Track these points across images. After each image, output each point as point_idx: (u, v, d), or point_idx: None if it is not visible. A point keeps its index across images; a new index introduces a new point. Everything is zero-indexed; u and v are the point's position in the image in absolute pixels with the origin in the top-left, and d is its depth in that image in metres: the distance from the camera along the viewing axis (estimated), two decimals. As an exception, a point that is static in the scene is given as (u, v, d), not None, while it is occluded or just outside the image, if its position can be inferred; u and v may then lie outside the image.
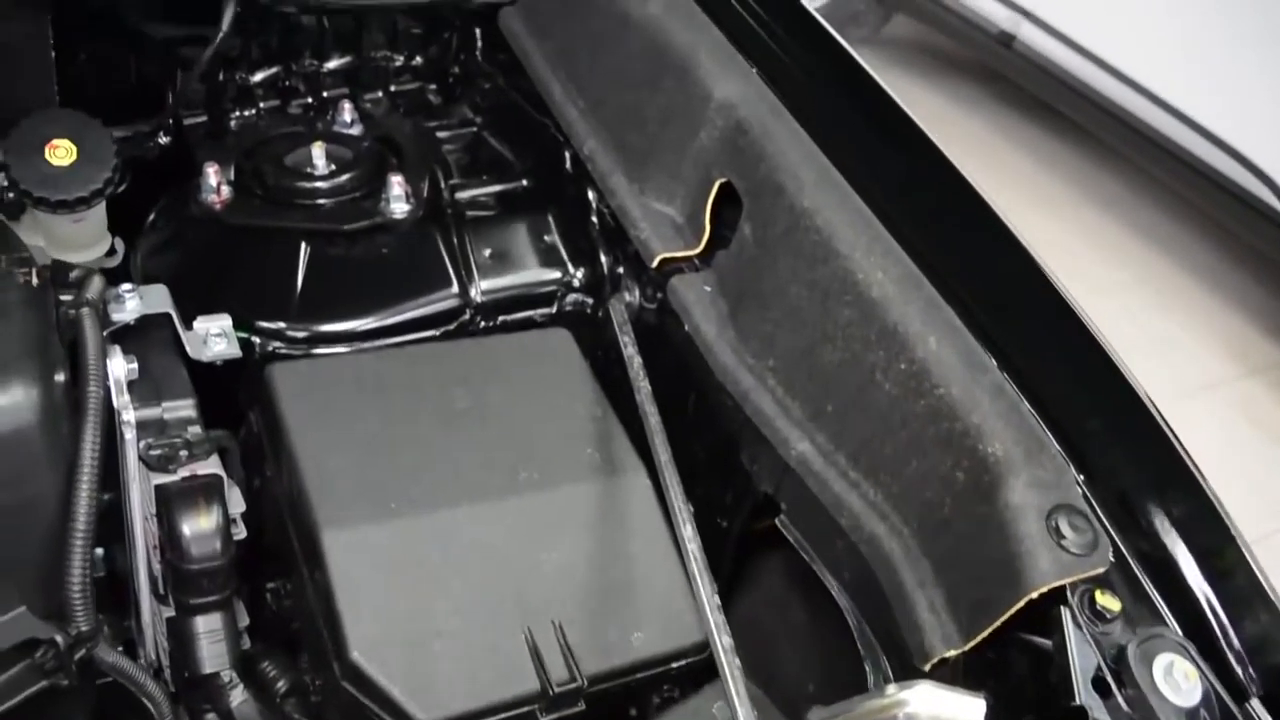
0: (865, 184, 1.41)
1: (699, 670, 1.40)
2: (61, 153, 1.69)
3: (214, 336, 1.55)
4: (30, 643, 1.22)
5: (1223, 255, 4.80)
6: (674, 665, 1.38)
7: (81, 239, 1.80)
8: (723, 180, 1.52)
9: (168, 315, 1.52)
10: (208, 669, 1.38)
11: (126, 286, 1.50)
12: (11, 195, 1.80)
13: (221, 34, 1.72)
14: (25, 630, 1.21)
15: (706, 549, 1.27)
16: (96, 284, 1.44)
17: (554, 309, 1.75)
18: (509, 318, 1.73)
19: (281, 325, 1.64)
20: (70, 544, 1.21)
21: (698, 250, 1.56)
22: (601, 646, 1.34)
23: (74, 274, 1.48)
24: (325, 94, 2.00)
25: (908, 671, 1.19)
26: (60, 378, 1.28)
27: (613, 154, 1.65)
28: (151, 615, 1.48)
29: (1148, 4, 4.56)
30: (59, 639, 1.22)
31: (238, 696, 1.41)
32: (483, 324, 1.71)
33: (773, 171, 1.42)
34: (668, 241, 1.57)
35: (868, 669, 1.25)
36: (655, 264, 1.55)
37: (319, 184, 1.75)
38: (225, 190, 1.73)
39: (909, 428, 1.23)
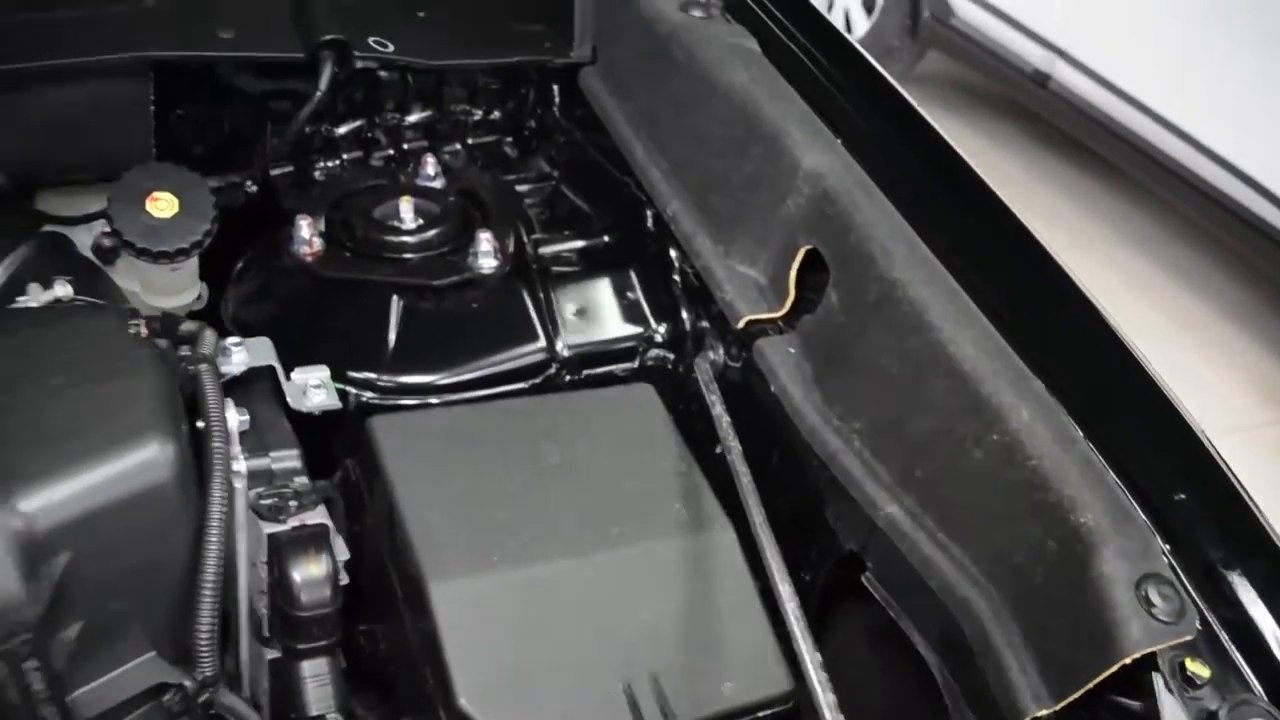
0: (947, 255, 1.50)
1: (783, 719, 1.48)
2: (163, 205, 1.78)
3: (313, 387, 1.64)
4: (159, 686, 1.30)
5: (1257, 297, 4.88)
6: (761, 714, 1.46)
7: (176, 286, 1.90)
8: (808, 247, 1.60)
9: (271, 367, 1.61)
10: (314, 711, 1.46)
11: (234, 340, 1.58)
12: (108, 243, 1.90)
13: (320, 94, 1.82)
14: (157, 675, 1.29)
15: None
16: (210, 338, 1.53)
17: (636, 364, 1.83)
18: (592, 371, 1.81)
19: (373, 376, 1.72)
20: (201, 595, 1.29)
21: (781, 313, 1.64)
22: (694, 696, 1.42)
23: (183, 327, 1.57)
24: (405, 146, 2.09)
25: (997, 729, 1.26)
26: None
27: (696, 216, 1.74)
28: (250, 656, 1.56)
29: (1183, 44, 4.64)
30: (188, 683, 1.30)
31: (343, 738, 1.49)
32: (567, 377, 1.79)
33: (862, 241, 1.50)
34: (752, 303, 1.65)
35: (957, 725, 1.33)
36: (741, 325, 1.63)
37: (407, 238, 1.84)
38: (317, 242, 1.82)
39: (1001, 497, 1.30)
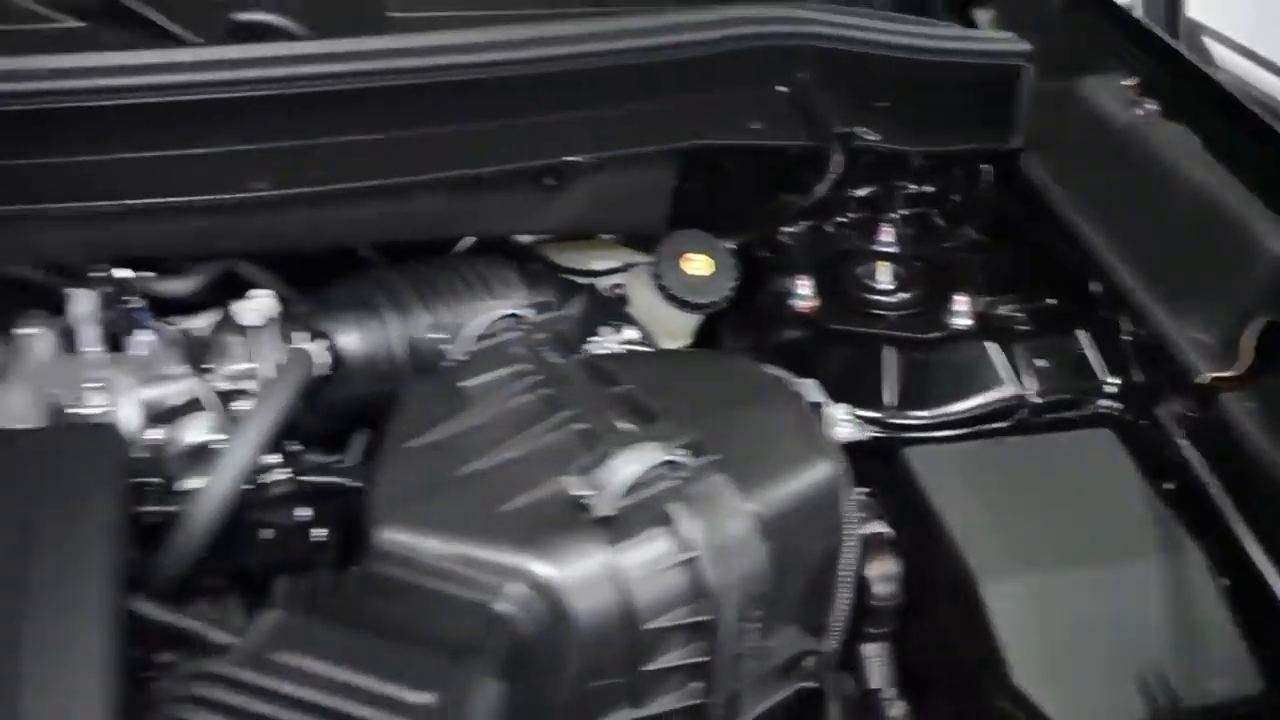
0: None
1: (1252, 717, 1.87)
2: (699, 265, 2.27)
3: (842, 420, 2.10)
4: (800, 653, 1.76)
5: None
6: (1239, 711, 1.85)
7: (683, 330, 2.38)
8: (1268, 319, 2.01)
9: (818, 403, 2.07)
10: (874, 684, 1.92)
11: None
12: (620, 292, 2.39)
13: (832, 175, 2.29)
14: (801, 643, 1.75)
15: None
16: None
17: (1089, 412, 2.25)
18: (1051, 417, 2.24)
19: (871, 414, 2.18)
20: (841, 582, 1.76)
21: (1238, 372, 2.05)
22: (1190, 690, 1.82)
23: None
24: (851, 215, 2.56)
25: None
26: None
27: (1151, 290, 2.16)
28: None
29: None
30: (825, 651, 1.76)
31: (898, 709, 1.92)
32: (1033, 421, 2.22)
33: (1329, 317, 1.92)
34: (1208, 364, 2.07)
35: None
36: (1203, 380, 2.05)
37: (885, 297, 2.30)
38: (814, 298, 2.29)
39: None
